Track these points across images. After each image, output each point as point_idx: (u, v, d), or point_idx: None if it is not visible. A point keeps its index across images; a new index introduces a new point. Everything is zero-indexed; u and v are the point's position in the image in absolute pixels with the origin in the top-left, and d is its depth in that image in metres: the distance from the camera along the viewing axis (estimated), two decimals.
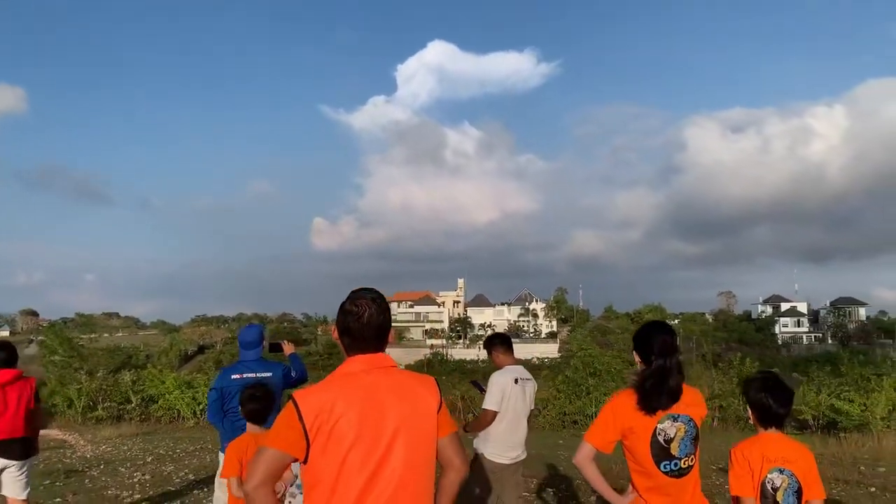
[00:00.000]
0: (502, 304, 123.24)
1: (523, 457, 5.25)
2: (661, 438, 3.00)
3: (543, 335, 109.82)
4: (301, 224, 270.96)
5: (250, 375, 5.10)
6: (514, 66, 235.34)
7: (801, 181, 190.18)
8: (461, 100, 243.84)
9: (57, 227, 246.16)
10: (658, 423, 3.00)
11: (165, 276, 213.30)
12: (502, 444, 5.07)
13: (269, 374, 5.19)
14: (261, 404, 4.17)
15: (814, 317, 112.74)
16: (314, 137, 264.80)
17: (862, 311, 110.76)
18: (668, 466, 3.00)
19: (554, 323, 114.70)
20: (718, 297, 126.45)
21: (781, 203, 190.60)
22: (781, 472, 3.07)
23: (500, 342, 5.41)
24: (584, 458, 3.08)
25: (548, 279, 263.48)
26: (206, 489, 8.26)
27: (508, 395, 5.08)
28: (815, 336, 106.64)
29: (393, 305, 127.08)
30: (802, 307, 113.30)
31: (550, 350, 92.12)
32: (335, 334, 2.46)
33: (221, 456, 5.02)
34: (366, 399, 2.27)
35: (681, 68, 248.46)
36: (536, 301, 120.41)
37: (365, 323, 2.39)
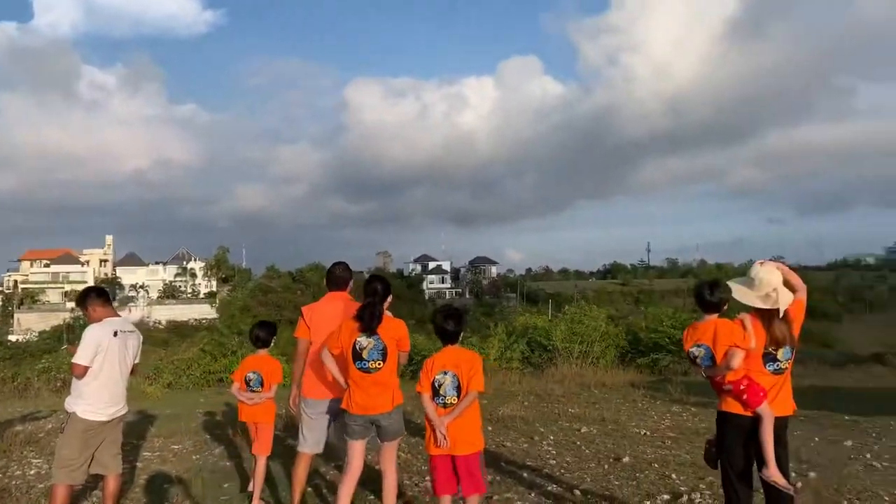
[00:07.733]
0: (157, 263, 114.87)
1: (123, 412, 5.25)
2: (357, 347, 4.50)
3: (202, 295, 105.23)
4: None
5: None
6: (175, 8, 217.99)
7: (453, 147, 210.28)
8: (112, 37, 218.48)
9: None
10: (357, 337, 4.51)
11: None
12: (98, 400, 4.98)
13: None
14: None
15: (455, 274, 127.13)
16: None
17: (494, 269, 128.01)
18: (359, 365, 4.50)
19: (214, 282, 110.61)
20: (377, 257, 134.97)
21: (434, 167, 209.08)
22: (445, 373, 4.37)
23: (95, 295, 5.31)
24: (323, 355, 4.63)
25: (208, 236, 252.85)
26: None
27: (105, 350, 4.99)
28: (455, 291, 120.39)
29: (24, 265, 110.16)
30: (446, 265, 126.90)
31: (209, 310, 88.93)
32: None
33: None
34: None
35: (351, 32, 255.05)
36: (195, 260, 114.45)
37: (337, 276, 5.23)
